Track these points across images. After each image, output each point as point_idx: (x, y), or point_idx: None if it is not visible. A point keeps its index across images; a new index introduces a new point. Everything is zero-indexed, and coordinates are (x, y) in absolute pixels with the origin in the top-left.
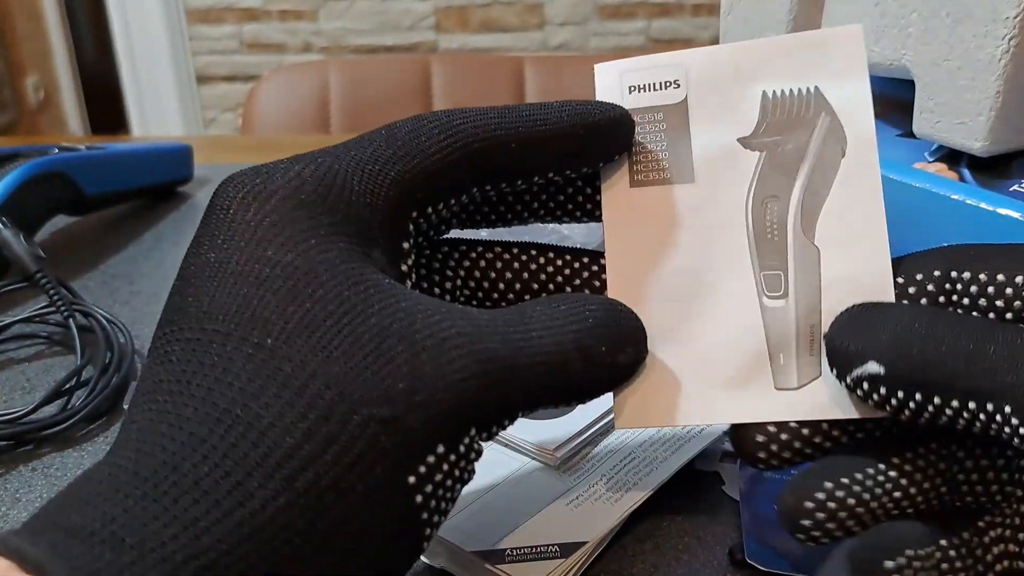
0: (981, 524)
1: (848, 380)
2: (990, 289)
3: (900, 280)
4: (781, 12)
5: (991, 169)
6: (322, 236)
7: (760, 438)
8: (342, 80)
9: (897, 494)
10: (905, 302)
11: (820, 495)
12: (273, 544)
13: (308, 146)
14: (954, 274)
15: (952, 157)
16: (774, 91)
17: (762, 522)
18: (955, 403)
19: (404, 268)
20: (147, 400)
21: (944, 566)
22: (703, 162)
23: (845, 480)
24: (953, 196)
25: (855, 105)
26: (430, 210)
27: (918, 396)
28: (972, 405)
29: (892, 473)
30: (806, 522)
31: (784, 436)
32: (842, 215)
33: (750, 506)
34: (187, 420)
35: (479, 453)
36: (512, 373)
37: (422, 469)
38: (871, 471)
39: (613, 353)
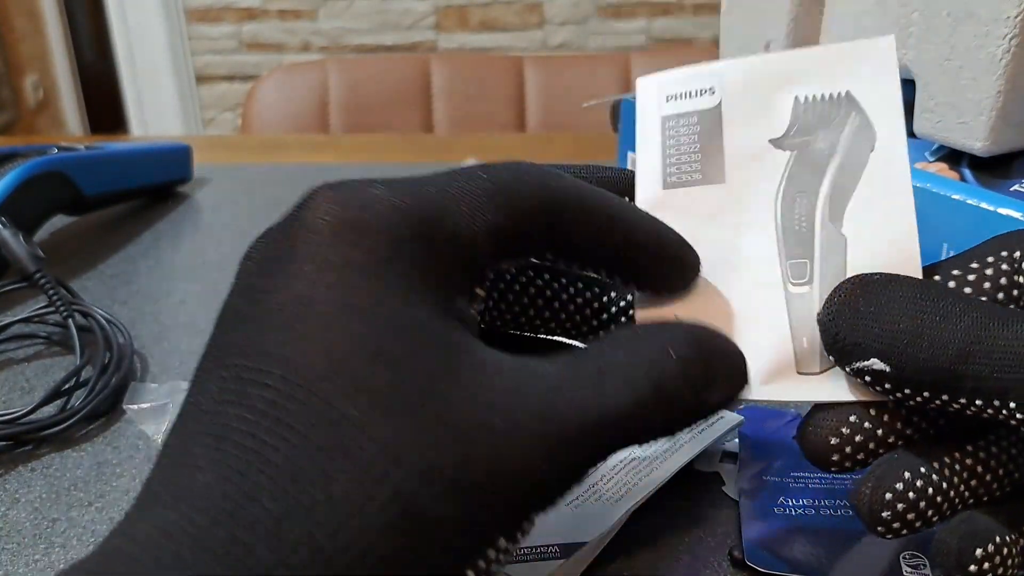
0: None
1: (848, 370)
2: None
3: (956, 272)
4: (781, 11)
5: (992, 169)
6: (416, 285)
7: (834, 440)
8: (341, 80)
9: (973, 482)
10: (908, 276)
11: (899, 485)
12: None
13: (308, 146)
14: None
15: (953, 157)
16: (806, 96)
17: (762, 523)
18: (963, 400)
19: (474, 312)
20: (215, 444)
21: None
22: (734, 163)
23: (923, 470)
24: (954, 196)
25: (886, 105)
26: (510, 262)
27: (926, 393)
28: (979, 402)
29: (968, 461)
30: (886, 514)
31: (859, 438)
32: (870, 205)
33: (750, 507)
34: (263, 490)
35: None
36: (582, 443)
37: (480, 563)
38: (947, 460)
39: (699, 394)
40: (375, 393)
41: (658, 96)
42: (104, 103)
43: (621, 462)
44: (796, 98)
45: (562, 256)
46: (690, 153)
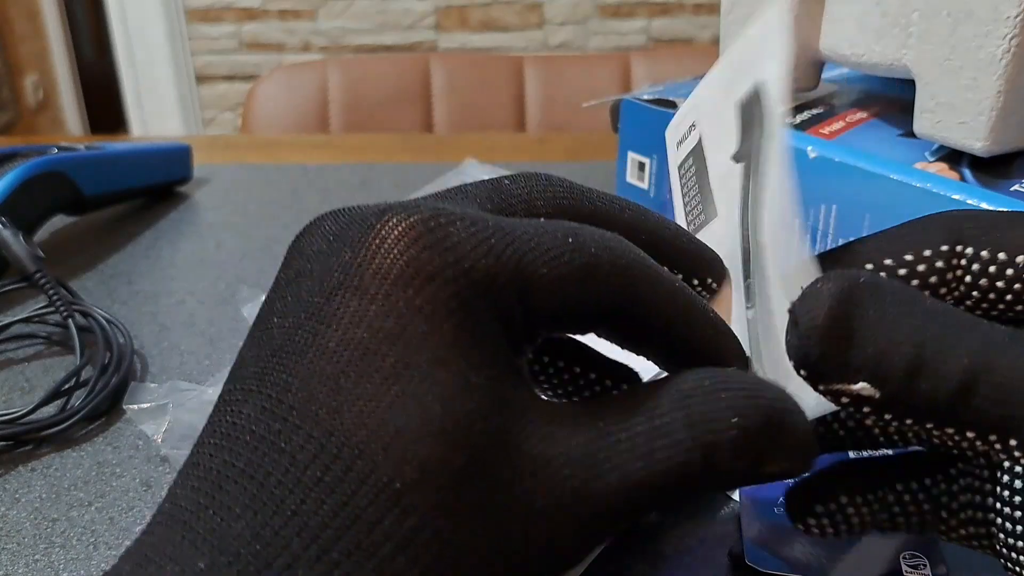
0: (952, 471)
1: (822, 389)
2: (992, 269)
3: (889, 262)
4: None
5: (992, 169)
6: (482, 343)
7: (819, 509)
8: (342, 79)
9: (900, 518)
10: (893, 281)
11: (832, 506)
12: None
13: (308, 146)
14: (959, 248)
15: (953, 157)
16: (741, 98)
17: (762, 523)
18: (950, 430)
19: (523, 368)
20: (252, 488)
21: (896, 509)
22: (719, 193)
23: (859, 499)
24: (954, 196)
25: (772, 88)
26: (564, 332)
27: (909, 421)
28: (971, 435)
29: (905, 497)
30: (811, 521)
31: (842, 513)
32: (770, 204)
33: (750, 507)
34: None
35: None
36: (616, 513)
37: None
38: (880, 494)
39: (757, 468)
40: (431, 474)
41: (671, 145)
42: (104, 103)
43: None
44: (736, 104)
45: (615, 338)
46: (694, 195)
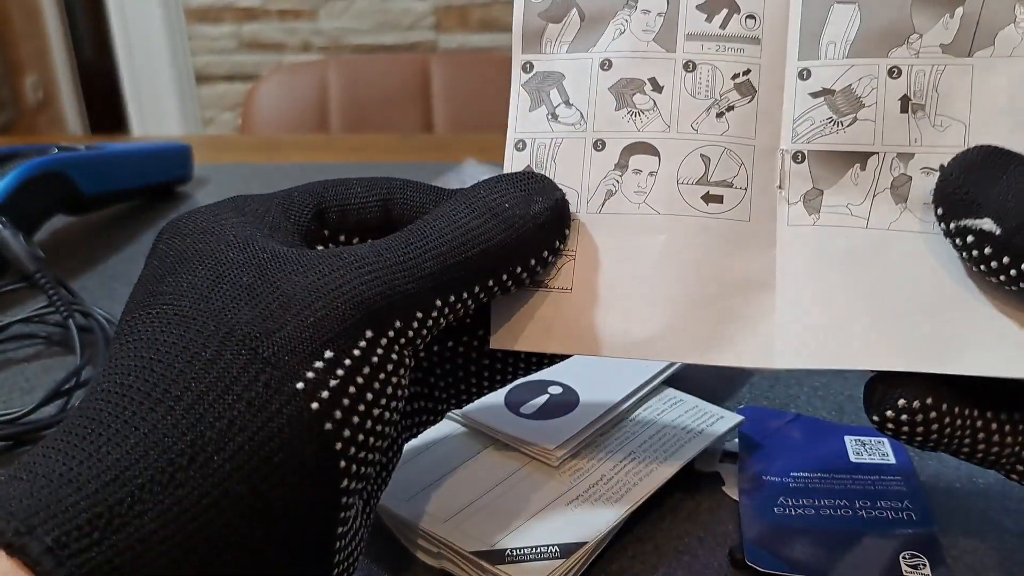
0: None
1: (952, 227)
2: None
3: None
4: None
5: None
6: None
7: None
8: (341, 79)
9: (981, 445)
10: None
11: (915, 404)
12: (165, 458)
13: (308, 146)
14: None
15: None
16: None
17: (762, 524)
18: None
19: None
20: (114, 365)
21: (981, 436)
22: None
23: (945, 407)
24: None
25: None
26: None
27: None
28: None
29: (993, 426)
30: (889, 414)
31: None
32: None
33: (750, 507)
34: (129, 376)
35: (398, 358)
36: (402, 266)
37: (309, 374)
38: (970, 412)
39: (524, 206)
40: (205, 293)
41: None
42: (104, 103)
43: (621, 462)
44: None
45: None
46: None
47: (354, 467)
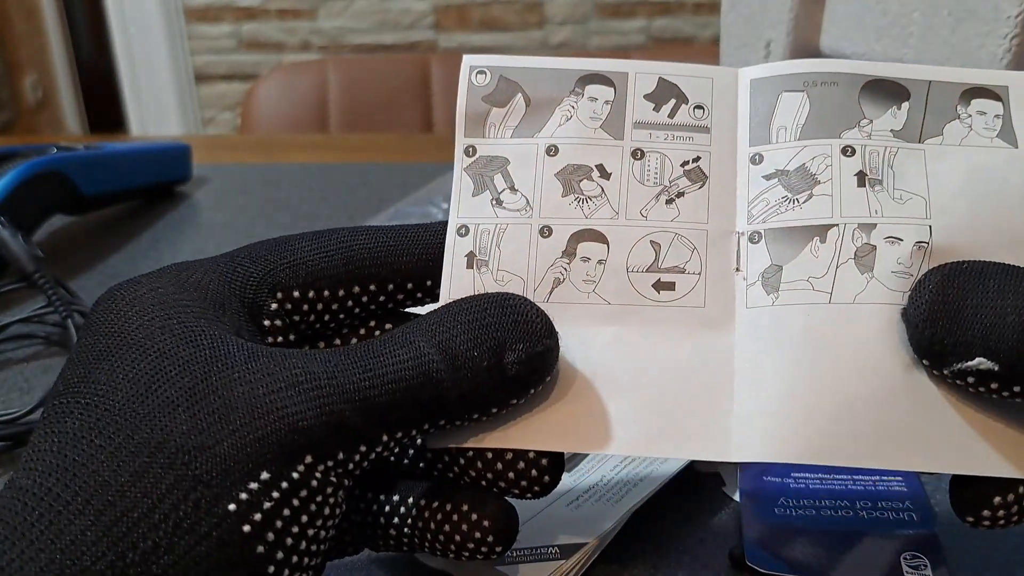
0: None
1: (947, 372)
2: None
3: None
4: (781, 11)
5: None
6: (206, 313)
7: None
8: (341, 79)
9: None
10: (995, 263)
11: (1010, 496)
12: (93, 570)
13: (307, 145)
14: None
15: None
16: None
17: (762, 524)
18: None
19: (271, 340)
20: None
21: None
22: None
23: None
24: None
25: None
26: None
27: None
28: None
29: None
30: (986, 514)
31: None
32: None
33: (751, 507)
34: (50, 479)
35: (335, 485)
36: (353, 395)
37: (243, 496)
38: None
39: (494, 354)
40: (131, 388)
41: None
42: (103, 102)
43: (621, 462)
44: None
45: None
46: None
47: (283, 570)
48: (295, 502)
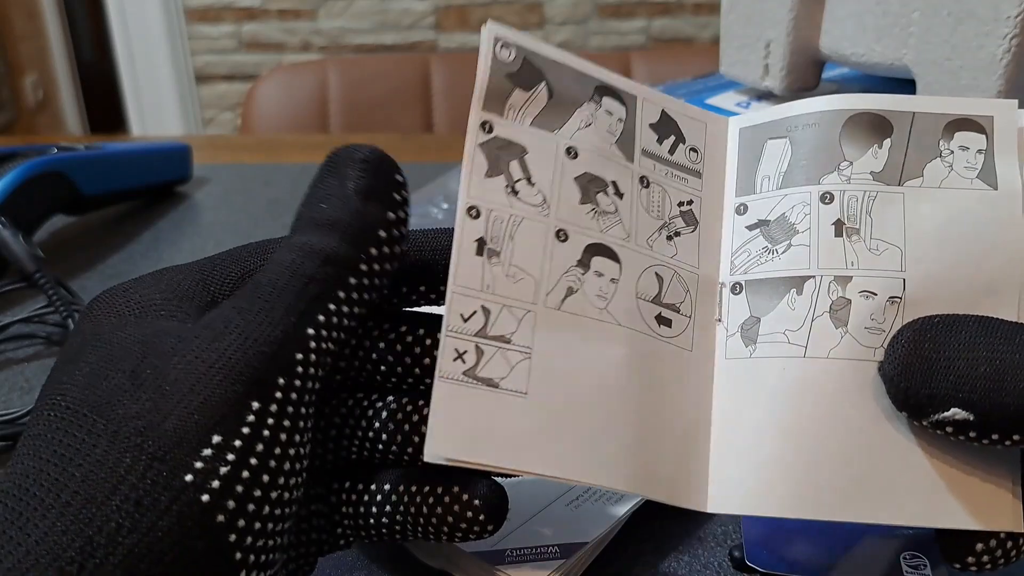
0: None
1: (926, 424)
2: None
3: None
4: (781, 11)
5: None
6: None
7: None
8: (341, 79)
9: None
10: (968, 315)
11: (992, 542)
12: (55, 567)
13: (307, 145)
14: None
15: None
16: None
17: (763, 524)
18: None
19: None
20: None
21: None
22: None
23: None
24: None
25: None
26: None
27: (1015, 436)
28: None
29: None
30: (971, 559)
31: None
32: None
33: None
34: (26, 478)
35: (291, 426)
36: (260, 313)
37: (198, 464)
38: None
39: (339, 190)
40: (93, 389)
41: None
42: (103, 103)
43: None
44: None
45: None
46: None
47: (252, 557)
48: (252, 459)
